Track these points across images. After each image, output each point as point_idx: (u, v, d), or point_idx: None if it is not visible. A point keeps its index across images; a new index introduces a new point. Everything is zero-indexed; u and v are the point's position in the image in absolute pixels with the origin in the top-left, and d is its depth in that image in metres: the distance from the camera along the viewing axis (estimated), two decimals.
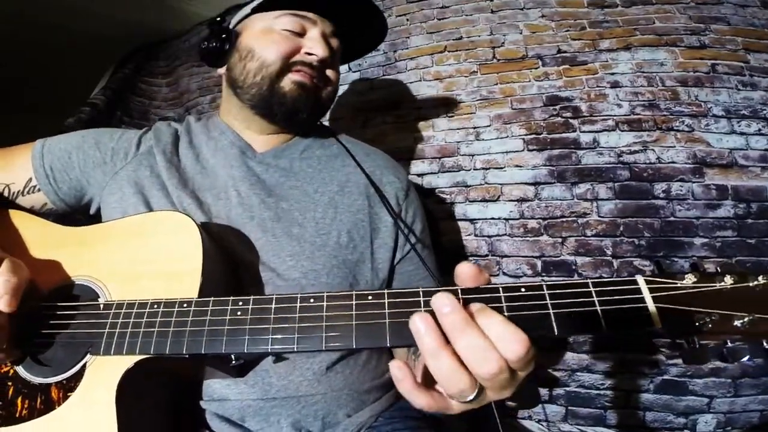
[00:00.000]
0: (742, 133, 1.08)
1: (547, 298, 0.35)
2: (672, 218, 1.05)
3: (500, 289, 0.36)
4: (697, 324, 0.33)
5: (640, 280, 0.35)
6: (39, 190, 0.62)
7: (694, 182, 1.06)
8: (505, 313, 0.34)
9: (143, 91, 1.80)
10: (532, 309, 0.35)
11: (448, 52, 1.29)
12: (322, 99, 0.66)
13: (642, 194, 1.07)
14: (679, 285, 0.34)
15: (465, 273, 0.36)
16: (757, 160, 1.06)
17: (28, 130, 0.65)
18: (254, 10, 0.66)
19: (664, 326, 0.33)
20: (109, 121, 1.62)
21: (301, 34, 0.64)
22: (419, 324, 0.33)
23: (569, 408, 1.04)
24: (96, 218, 0.65)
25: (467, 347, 0.32)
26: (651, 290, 0.34)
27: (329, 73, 0.67)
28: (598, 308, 0.34)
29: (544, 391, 1.05)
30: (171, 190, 0.60)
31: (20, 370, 0.47)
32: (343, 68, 1.43)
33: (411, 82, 1.30)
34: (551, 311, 0.34)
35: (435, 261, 0.71)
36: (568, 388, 1.04)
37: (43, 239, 0.54)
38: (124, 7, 1.59)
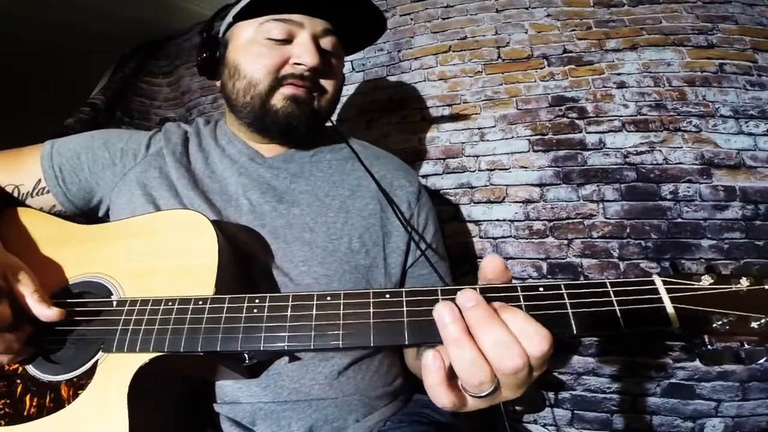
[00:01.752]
0: (750, 134, 1.06)
1: (566, 297, 0.35)
2: (679, 220, 1.04)
3: (518, 288, 0.36)
4: (714, 325, 0.34)
5: (657, 280, 0.35)
6: (48, 191, 0.62)
7: (701, 183, 1.05)
8: None
9: (144, 91, 1.78)
10: (550, 308, 0.35)
11: (453, 51, 1.28)
12: (320, 109, 0.63)
13: (649, 195, 1.06)
14: (696, 286, 0.35)
15: (491, 265, 0.36)
16: (765, 161, 1.04)
17: (28, 130, 0.65)
18: (236, 18, 0.62)
19: (681, 326, 0.34)
20: (109, 122, 1.60)
21: (289, 40, 0.59)
22: (443, 312, 0.32)
23: (575, 412, 1.03)
24: (105, 221, 0.65)
25: (492, 342, 0.31)
26: (668, 291, 0.35)
27: (325, 81, 0.62)
28: (617, 308, 0.34)
29: (549, 395, 1.04)
30: (180, 191, 0.60)
31: (29, 367, 0.47)
32: (347, 68, 1.43)
33: (415, 83, 1.29)
34: (570, 311, 0.35)
35: (448, 266, 0.70)
36: (574, 392, 1.03)
37: (53, 237, 0.54)
38: (125, 5, 1.57)
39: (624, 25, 1.19)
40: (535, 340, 0.31)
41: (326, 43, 0.62)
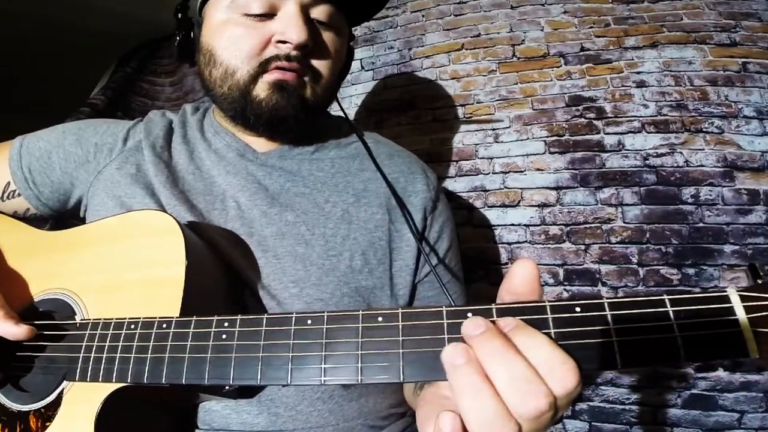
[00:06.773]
0: None
1: (610, 320, 0.28)
2: (701, 224, 1.01)
3: (548, 308, 0.29)
4: None
5: (733, 295, 0.28)
6: (19, 194, 0.56)
7: (724, 186, 1.02)
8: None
9: (145, 90, 1.75)
10: (589, 336, 0.28)
11: (466, 50, 1.25)
12: (312, 98, 0.53)
13: (669, 199, 1.03)
14: None
15: (523, 274, 0.30)
16: None
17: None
18: None
19: (761, 355, 0.27)
20: None
21: (271, 14, 0.49)
22: (455, 355, 0.27)
23: (593, 424, 1.00)
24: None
25: (508, 378, 0.26)
26: (747, 309, 0.27)
27: (318, 61, 0.52)
28: (678, 334, 0.27)
29: None
30: (158, 189, 0.53)
31: None
32: (355, 66, 1.40)
33: (427, 82, 1.26)
34: (615, 339, 0.28)
35: (463, 287, 0.63)
36: (591, 403, 1.00)
37: (20, 247, 0.50)
38: (126, 3, 1.54)
39: (644, 22, 1.16)
40: (560, 373, 0.26)
41: (319, 13, 0.51)
